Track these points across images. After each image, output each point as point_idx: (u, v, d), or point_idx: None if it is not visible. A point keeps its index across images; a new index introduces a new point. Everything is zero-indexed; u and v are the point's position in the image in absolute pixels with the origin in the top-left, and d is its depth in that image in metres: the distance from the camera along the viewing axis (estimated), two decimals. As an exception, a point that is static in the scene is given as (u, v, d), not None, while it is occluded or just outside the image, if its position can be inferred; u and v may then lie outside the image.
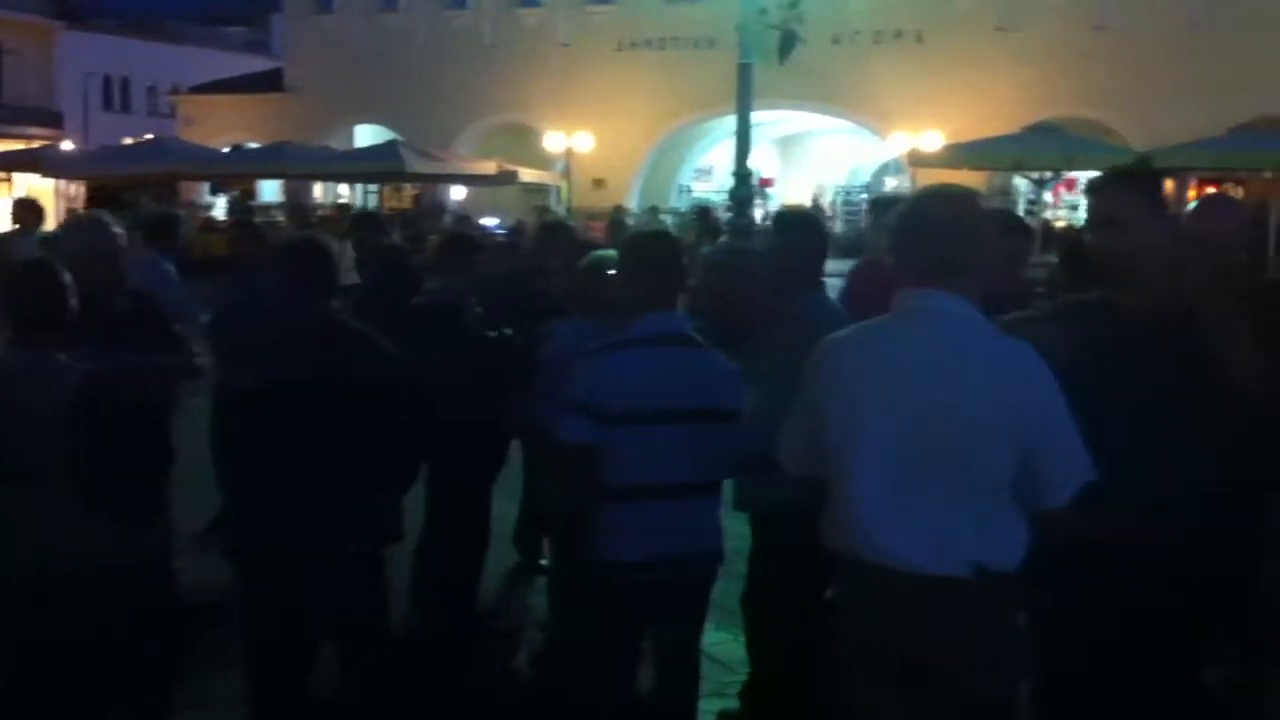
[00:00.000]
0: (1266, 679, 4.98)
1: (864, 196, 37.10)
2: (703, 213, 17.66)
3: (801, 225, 5.06)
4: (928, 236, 3.11)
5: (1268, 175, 24.88)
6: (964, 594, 2.98)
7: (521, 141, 33.60)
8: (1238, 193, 29.33)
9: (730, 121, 20.45)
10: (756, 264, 5.32)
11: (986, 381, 3.00)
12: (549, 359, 4.91)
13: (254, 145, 32.43)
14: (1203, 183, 26.38)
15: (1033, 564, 3.07)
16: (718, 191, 31.50)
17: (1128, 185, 3.66)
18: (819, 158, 40.35)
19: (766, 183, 36.17)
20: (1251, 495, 3.61)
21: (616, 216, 25.39)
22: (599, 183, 32.75)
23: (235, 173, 30.49)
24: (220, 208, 32.81)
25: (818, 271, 4.78)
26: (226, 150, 32.12)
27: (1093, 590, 3.38)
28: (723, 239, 14.30)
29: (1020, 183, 29.20)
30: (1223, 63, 27.29)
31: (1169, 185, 27.61)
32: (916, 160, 26.79)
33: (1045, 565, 3.11)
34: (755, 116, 22.10)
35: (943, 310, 3.07)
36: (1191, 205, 5.17)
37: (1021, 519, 3.06)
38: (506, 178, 27.74)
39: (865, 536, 3.04)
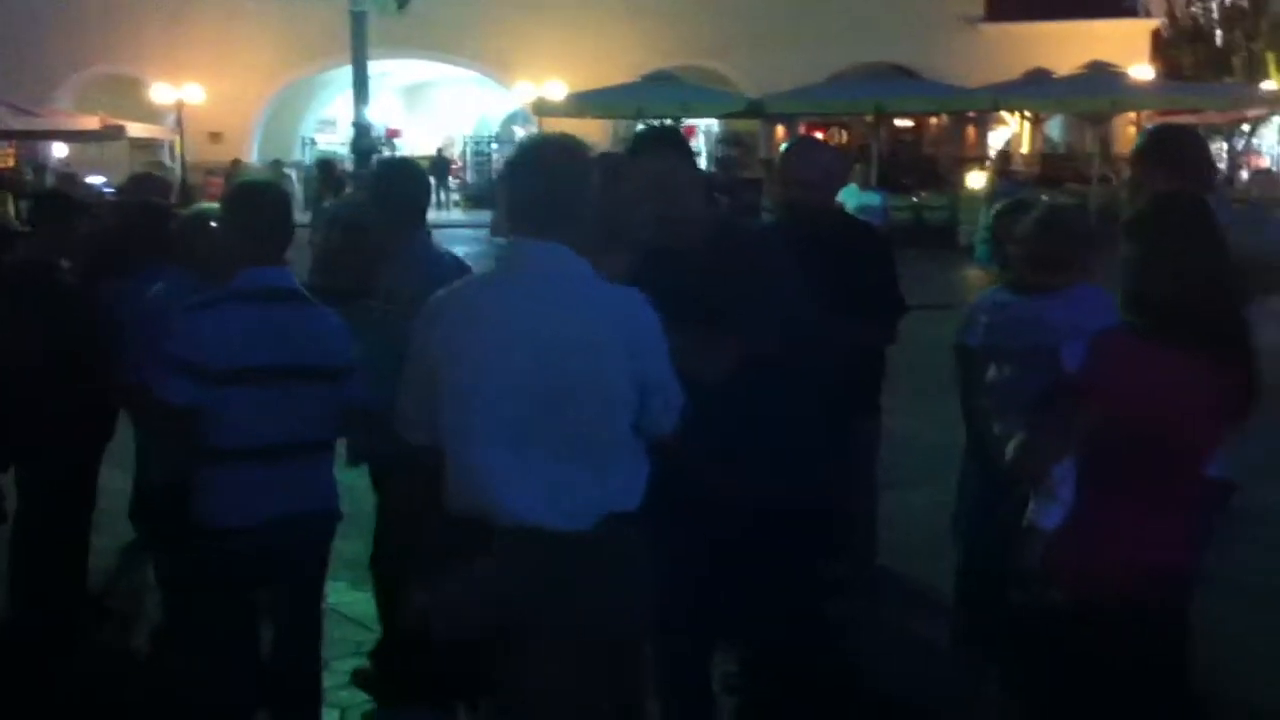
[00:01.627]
0: (874, 603, 5.37)
1: (494, 146, 37.22)
2: (324, 165, 17.11)
3: (392, 169, 5.10)
4: (531, 186, 3.08)
5: (868, 119, 26.59)
6: (594, 544, 2.98)
7: (130, 94, 31.69)
8: (844, 136, 31.24)
9: (351, 72, 19.96)
10: (365, 215, 5.24)
11: (597, 329, 2.99)
12: (145, 316, 4.63)
13: None
14: (811, 127, 27.89)
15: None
16: (343, 144, 30.82)
17: (659, 146, 3.83)
18: (446, 107, 40.13)
19: (394, 133, 35.67)
20: (829, 424, 3.83)
21: (234, 171, 24.46)
22: (216, 137, 31.50)
23: None
24: None
25: (417, 214, 4.74)
26: None
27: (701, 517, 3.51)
28: (347, 192, 13.96)
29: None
30: (824, 14, 28.90)
31: (780, 130, 29.10)
32: (542, 110, 27.07)
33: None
34: (378, 66, 21.65)
35: (546, 260, 3.04)
36: (782, 148, 5.45)
37: (642, 458, 3.09)
38: (113, 133, 26.17)
39: (489, 498, 2.96)
